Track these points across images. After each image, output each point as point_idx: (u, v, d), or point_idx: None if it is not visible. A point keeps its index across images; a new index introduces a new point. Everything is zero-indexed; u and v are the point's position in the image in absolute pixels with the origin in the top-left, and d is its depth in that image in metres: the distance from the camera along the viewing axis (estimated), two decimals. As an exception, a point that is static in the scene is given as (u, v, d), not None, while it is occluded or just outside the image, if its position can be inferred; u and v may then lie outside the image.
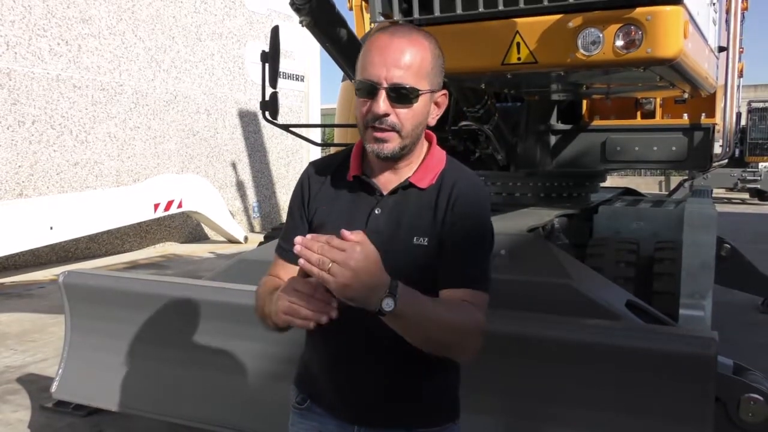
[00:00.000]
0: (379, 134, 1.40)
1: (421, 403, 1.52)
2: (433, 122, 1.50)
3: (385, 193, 1.49)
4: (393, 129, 1.40)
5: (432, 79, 1.43)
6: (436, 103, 1.48)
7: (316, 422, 1.59)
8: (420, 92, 1.40)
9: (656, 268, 3.96)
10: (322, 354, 1.57)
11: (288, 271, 1.50)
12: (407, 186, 1.48)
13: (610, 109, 5.19)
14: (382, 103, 1.37)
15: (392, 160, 1.46)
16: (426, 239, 1.44)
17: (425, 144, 1.54)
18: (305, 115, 14.16)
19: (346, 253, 1.17)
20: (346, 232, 1.19)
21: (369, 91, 1.39)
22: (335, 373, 1.54)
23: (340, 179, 1.54)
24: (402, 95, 1.38)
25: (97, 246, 9.66)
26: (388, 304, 1.22)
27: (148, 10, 10.44)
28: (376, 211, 1.48)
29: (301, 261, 1.18)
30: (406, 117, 1.40)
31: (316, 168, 1.60)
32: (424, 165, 1.51)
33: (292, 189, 1.65)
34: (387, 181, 1.50)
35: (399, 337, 1.32)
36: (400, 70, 1.37)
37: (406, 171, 1.50)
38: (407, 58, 1.38)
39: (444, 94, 1.50)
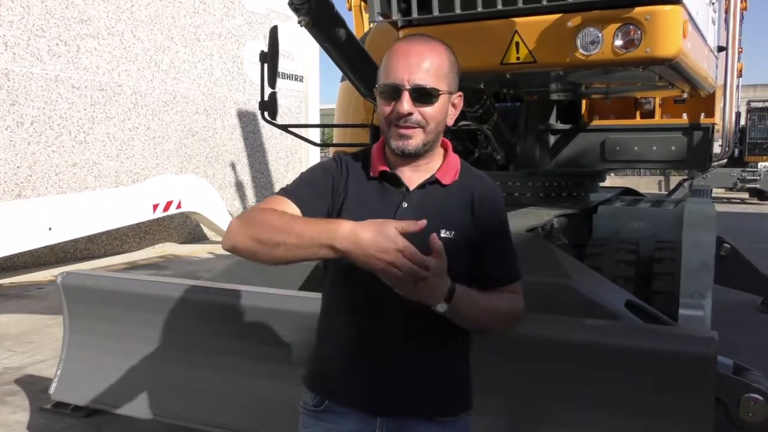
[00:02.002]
0: (404, 130, 1.51)
1: (444, 392, 1.60)
2: (450, 122, 1.60)
3: (411, 188, 1.58)
4: (418, 125, 1.51)
5: (449, 81, 1.55)
6: (454, 105, 1.59)
7: (334, 424, 1.60)
8: (440, 92, 1.51)
9: (656, 267, 3.96)
10: (346, 345, 1.59)
11: (288, 210, 1.53)
12: (433, 182, 1.59)
13: (610, 108, 5.19)
14: (406, 104, 1.49)
15: (414, 157, 1.56)
16: (452, 232, 1.54)
17: (441, 150, 1.65)
18: (304, 115, 14.15)
19: (429, 272, 1.32)
20: (435, 240, 1.34)
21: (393, 93, 1.50)
22: (363, 362, 1.56)
23: (365, 176, 1.62)
24: (424, 95, 1.50)
25: (96, 247, 9.65)
26: (442, 307, 1.41)
27: (146, 11, 10.43)
28: (404, 205, 1.56)
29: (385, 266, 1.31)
30: (429, 115, 1.51)
31: (347, 160, 1.67)
32: (445, 165, 1.62)
33: None
34: (410, 178, 1.59)
35: (427, 324, 1.50)
36: (421, 73, 1.49)
37: (427, 168, 1.60)
38: (427, 61, 1.51)
39: (460, 96, 1.60)
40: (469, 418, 1.67)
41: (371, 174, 1.61)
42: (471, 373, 1.69)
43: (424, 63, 1.50)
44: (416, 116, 1.50)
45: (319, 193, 1.59)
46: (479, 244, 1.58)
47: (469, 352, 1.68)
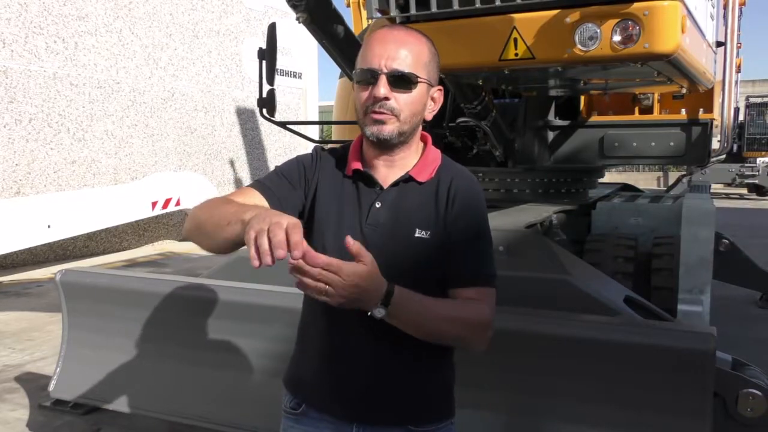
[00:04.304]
0: (377, 115, 1.45)
1: (418, 399, 1.52)
2: (429, 117, 1.54)
3: (384, 186, 1.53)
4: (392, 112, 1.45)
5: (429, 71, 1.50)
6: (433, 98, 1.53)
7: (311, 427, 1.57)
8: (418, 78, 1.46)
9: (654, 263, 3.96)
10: (318, 349, 1.55)
11: (255, 201, 1.49)
12: (407, 179, 1.52)
13: (608, 104, 5.18)
14: (383, 87, 1.43)
15: (389, 148, 1.51)
16: (427, 233, 1.48)
17: (421, 143, 1.58)
18: (303, 112, 14.14)
19: (341, 281, 1.23)
20: (350, 241, 1.25)
21: (370, 78, 1.45)
22: (333, 367, 1.52)
23: (341, 173, 1.57)
24: (401, 80, 1.44)
25: (95, 244, 9.65)
26: (379, 312, 1.32)
27: (144, 8, 10.41)
28: (377, 205, 1.51)
29: (298, 279, 1.23)
30: (405, 102, 1.46)
31: (324, 156, 1.62)
32: (422, 160, 1.55)
33: None
34: (385, 176, 1.54)
35: (399, 330, 1.39)
36: (399, 58, 1.45)
37: (402, 165, 1.54)
38: (406, 48, 1.46)
39: (440, 90, 1.55)
40: (452, 427, 1.59)
41: (346, 172, 1.56)
42: (452, 379, 1.61)
43: (402, 49, 1.45)
44: (392, 102, 1.44)
45: (289, 186, 1.55)
46: (451, 240, 1.49)
47: (452, 357, 1.59)
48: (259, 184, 1.54)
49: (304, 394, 1.59)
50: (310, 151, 1.67)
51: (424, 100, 1.50)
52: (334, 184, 1.56)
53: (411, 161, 1.55)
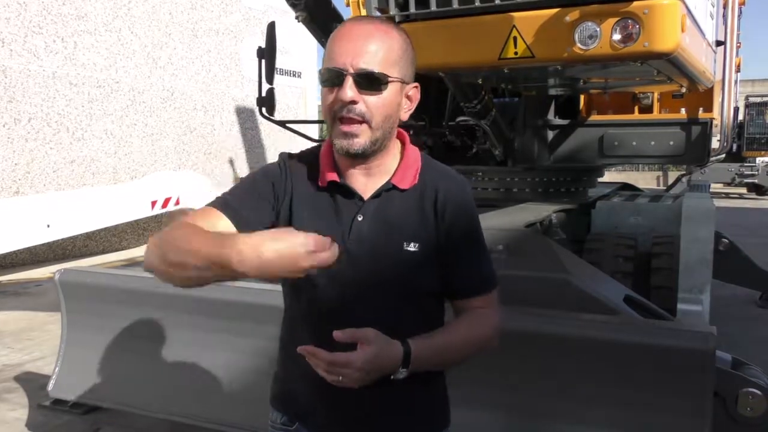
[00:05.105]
0: (347, 128, 1.31)
1: (415, 415, 1.47)
2: (405, 117, 1.41)
3: (365, 197, 1.40)
4: (363, 120, 1.31)
5: (402, 68, 1.35)
6: (408, 97, 1.40)
7: None
8: (389, 78, 1.32)
9: (654, 262, 3.96)
10: (307, 370, 1.37)
11: (219, 223, 1.35)
12: (390, 188, 1.40)
13: (608, 103, 5.18)
14: (349, 90, 1.29)
15: (363, 158, 1.37)
16: (416, 245, 1.38)
17: (398, 144, 1.45)
18: (302, 111, 14.14)
19: (351, 370, 1.21)
20: (338, 335, 1.22)
21: (335, 79, 1.30)
22: (326, 390, 1.33)
23: (313, 184, 1.43)
24: (370, 81, 1.30)
25: (95, 244, 9.64)
26: (401, 374, 1.29)
27: (144, 7, 10.40)
28: (359, 218, 1.39)
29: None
30: (375, 106, 1.31)
31: (292, 163, 1.47)
32: (402, 165, 1.43)
33: None
34: (364, 185, 1.41)
35: None
36: (367, 56, 1.30)
37: (380, 172, 1.41)
38: (374, 43, 1.31)
39: (416, 87, 1.41)
40: (447, 430, 1.55)
41: (320, 184, 1.42)
42: (445, 388, 1.55)
43: (370, 45, 1.30)
44: (360, 107, 1.30)
45: (256, 203, 1.39)
46: (447, 252, 1.40)
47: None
48: (222, 204, 1.38)
49: (295, 411, 1.51)
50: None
51: (398, 100, 1.36)
52: (308, 195, 1.42)
53: (390, 166, 1.42)
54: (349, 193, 1.41)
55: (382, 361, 1.25)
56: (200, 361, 3.29)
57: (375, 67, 1.30)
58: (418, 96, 1.42)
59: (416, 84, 1.41)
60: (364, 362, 1.21)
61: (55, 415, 3.70)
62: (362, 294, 1.37)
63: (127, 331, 3.44)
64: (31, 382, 4.23)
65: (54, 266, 5.22)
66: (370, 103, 1.31)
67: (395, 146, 1.44)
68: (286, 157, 1.49)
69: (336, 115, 1.32)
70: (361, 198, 1.40)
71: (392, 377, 1.29)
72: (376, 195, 1.40)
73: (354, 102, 1.30)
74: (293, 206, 1.42)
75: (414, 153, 1.46)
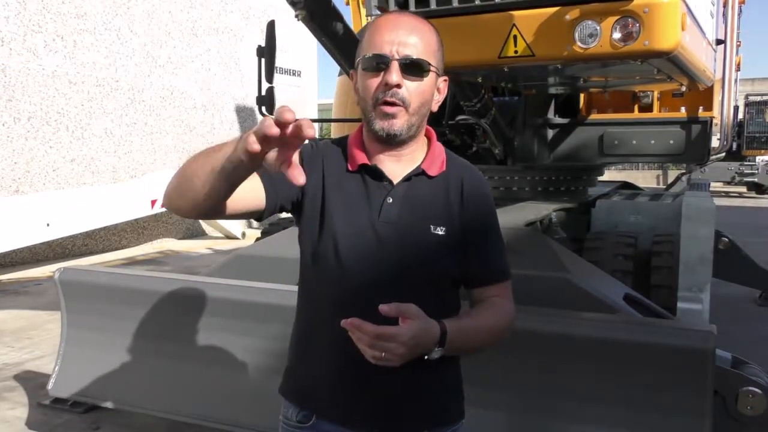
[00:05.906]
0: (389, 108, 1.38)
1: (436, 404, 1.50)
2: (435, 108, 1.49)
3: (394, 181, 1.47)
4: (402, 104, 1.38)
5: (438, 60, 1.45)
6: (438, 89, 1.48)
7: None
8: (431, 66, 1.41)
9: (654, 261, 3.96)
10: (329, 359, 1.47)
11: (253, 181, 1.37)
12: (419, 173, 1.48)
13: (608, 102, 5.19)
14: (395, 74, 1.37)
15: (397, 144, 1.44)
16: (443, 229, 1.45)
17: (425, 138, 1.53)
18: (302, 110, 14.13)
19: (397, 346, 1.23)
20: (384, 308, 1.23)
21: (381, 65, 1.39)
22: (350, 378, 1.44)
23: (342, 167, 1.50)
24: (414, 66, 1.39)
25: (94, 243, 9.64)
26: (437, 353, 1.33)
27: (143, 6, 10.39)
28: (389, 200, 1.45)
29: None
30: (416, 91, 1.40)
31: (323, 147, 1.53)
32: (430, 154, 1.50)
33: None
34: (393, 171, 1.47)
35: None
36: (411, 45, 1.39)
37: (409, 160, 1.48)
38: (416, 34, 1.40)
39: (445, 80, 1.50)
40: (463, 426, 1.58)
41: (350, 167, 1.48)
42: (461, 379, 1.59)
43: (413, 36, 1.39)
44: (403, 91, 1.37)
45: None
46: (468, 239, 1.47)
47: (460, 358, 1.57)
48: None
49: (315, 405, 1.51)
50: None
51: (433, 90, 1.45)
52: (338, 177, 1.48)
53: (419, 155, 1.49)
54: (379, 176, 1.47)
55: (424, 338, 1.28)
56: (200, 359, 3.29)
57: (418, 54, 1.39)
58: (446, 89, 1.50)
59: (446, 78, 1.49)
60: (410, 336, 1.24)
61: (55, 414, 3.70)
62: (390, 275, 1.41)
63: (127, 330, 3.44)
64: (31, 381, 4.23)
65: (54, 265, 5.22)
66: (411, 89, 1.39)
67: (423, 139, 1.52)
68: (316, 141, 1.51)
69: (378, 100, 1.39)
70: (390, 182, 1.46)
71: (426, 357, 1.32)
72: (407, 179, 1.47)
73: (399, 86, 1.37)
74: (325, 187, 1.47)
75: (440, 147, 1.54)
